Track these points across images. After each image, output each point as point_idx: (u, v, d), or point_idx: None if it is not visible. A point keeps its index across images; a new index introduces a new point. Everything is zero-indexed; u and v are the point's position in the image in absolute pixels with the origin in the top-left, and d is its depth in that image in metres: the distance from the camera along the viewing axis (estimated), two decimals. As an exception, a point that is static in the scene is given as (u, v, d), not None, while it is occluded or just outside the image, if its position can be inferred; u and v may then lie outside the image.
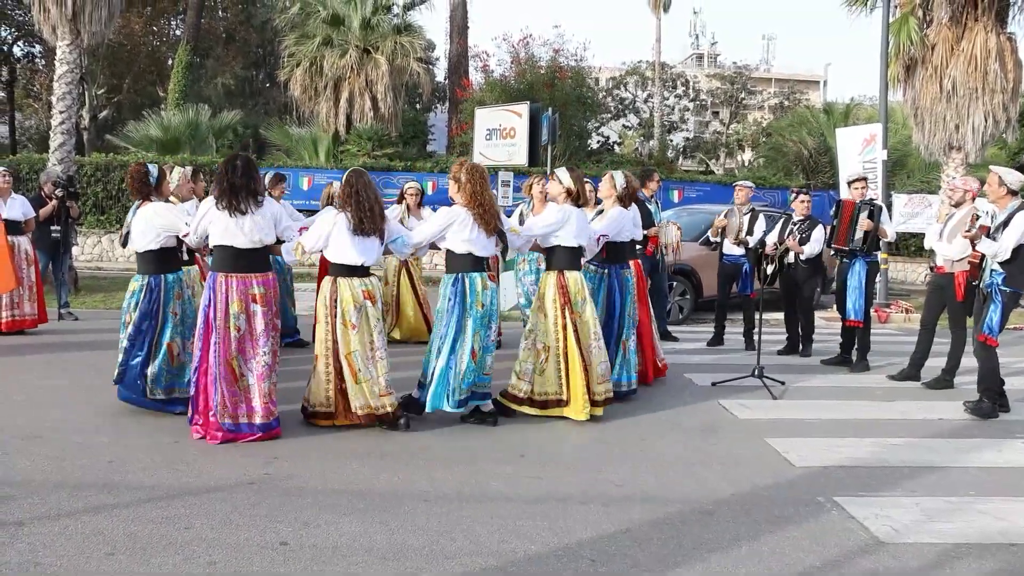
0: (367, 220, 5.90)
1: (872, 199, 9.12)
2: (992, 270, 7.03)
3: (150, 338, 6.35)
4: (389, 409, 5.96)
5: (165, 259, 6.42)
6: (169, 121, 22.67)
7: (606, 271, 7.28)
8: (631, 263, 7.59)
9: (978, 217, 7.27)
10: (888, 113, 15.56)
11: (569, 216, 6.56)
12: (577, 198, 6.82)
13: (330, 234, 5.95)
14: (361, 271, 5.98)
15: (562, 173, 6.85)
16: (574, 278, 6.54)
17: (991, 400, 7.09)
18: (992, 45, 15.89)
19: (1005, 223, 6.86)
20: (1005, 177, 7.00)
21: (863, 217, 8.74)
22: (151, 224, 6.31)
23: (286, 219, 6.18)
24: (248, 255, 5.82)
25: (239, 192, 5.72)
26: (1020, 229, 6.76)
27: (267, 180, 8.96)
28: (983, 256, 7.07)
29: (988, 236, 6.96)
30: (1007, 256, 6.84)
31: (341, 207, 6.01)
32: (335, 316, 5.91)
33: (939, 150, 16.91)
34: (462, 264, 6.17)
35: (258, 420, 5.77)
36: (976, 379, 7.22)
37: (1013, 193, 6.98)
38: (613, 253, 7.30)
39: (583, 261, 6.94)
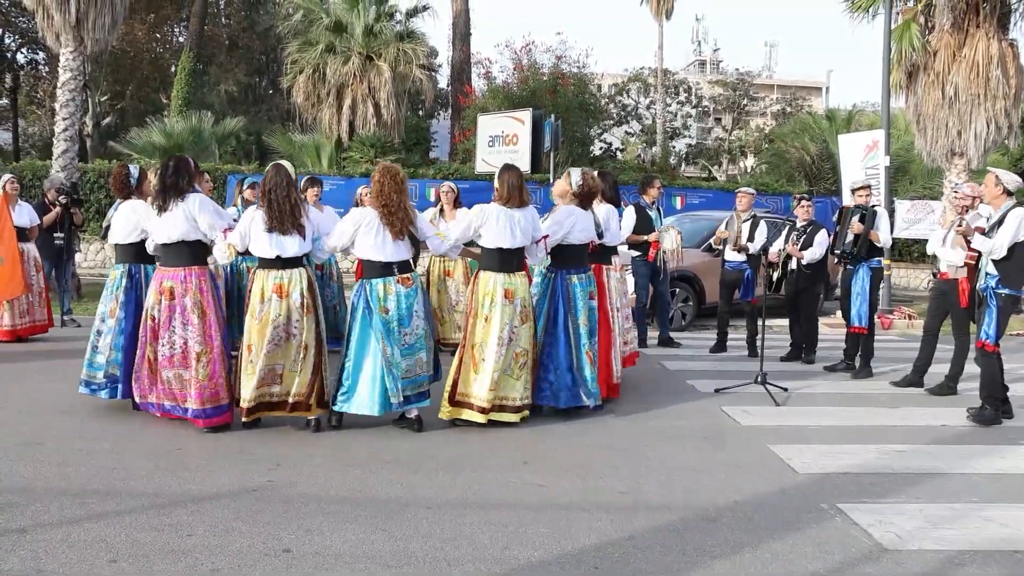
0: (276, 219, 5.99)
1: (872, 205, 9.10)
2: (987, 273, 7.03)
3: (132, 323, 6.66)
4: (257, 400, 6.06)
5: (144, 251, 6.82)
6: (172, 128, 22.69)
7: (553, 275, 6.93)
8: (590, 268, 7.11)
9: (967, 209, 7.51)
10: (890, 119, 15.57)
11: (488, 217, 6.44)
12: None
13: (248, 232, 6.10)
14: (279, 264, 6.05)
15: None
16: (485, 279, 6.45)
17: (993, 407, 7.08)
18: (994, 51, 15.91)
19: (1000, 221, 6.91)
20: (1002, 177, 7.04)
21: (854, 220, 8.76)
22: (129, 219, 6.84)
23: (211, 219, 6.30)
24: (165, 250, 6.33)
25: (166, 191, 6.20)
26: (1014, 226, 6.79)
27: (301, 184, 9.07)
28: (979, 257, 7.10)
29: (985, 235, 6.98)
30: (1002, 253, 6.84)
31: (258, 205, 6.20)
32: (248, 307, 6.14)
33: (941, 156, 16.91)
34: (368, 270, 6.20)
35: (192, 405, 6.09)
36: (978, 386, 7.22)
37: (1009, 194, 7.02)
38: (562, 257, 6.91)
39: (529, 263, 6.83)
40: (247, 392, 5.99)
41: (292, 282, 6.05)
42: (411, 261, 6.31)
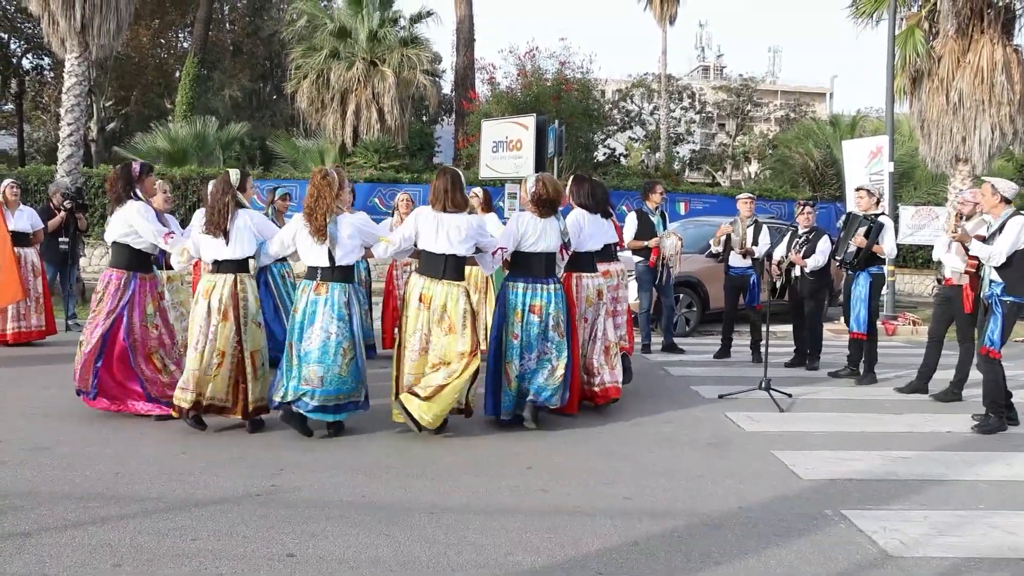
0: (209, 222, 6.27)
1: (877, 214, 9.03)
2: (991, 280, 7.03)
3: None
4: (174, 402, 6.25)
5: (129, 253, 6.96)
6: (176, 133, 22.75)
7: (511, 284, 6.69)
8: (547, 280, 6.69)
9: (962, 216, 7.62)
10: (894, 125, 15.57)
11: (419, 220, 6.33)
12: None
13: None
14: (215, 266, 6.31)
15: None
16: (412, 279, 6.38)
17: (997, 415, 7.06)
18: (999, 57, 15.91)
19: (1000, 229, 6.92)
20: (998, 186, 7.08)
21: (859, 233, 8.73)
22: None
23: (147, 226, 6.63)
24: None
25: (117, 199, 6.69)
26: (1014, 233, 6.81)
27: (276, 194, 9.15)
28: (980, 265, 7.14)
29: (985, 243, 7.00)
30: (1000, 260, 6.86)
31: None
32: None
33: (946, 162, 16.92)
34: (306, 272, 6.28)
35: None
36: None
37: (1007, 201, 7.04)
38: (514, 265, 6.70)
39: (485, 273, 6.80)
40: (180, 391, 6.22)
41: (215, 284, 6.24)
42: (341, 269, 6.15)
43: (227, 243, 6.21)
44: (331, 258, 6.08)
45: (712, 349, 10.59)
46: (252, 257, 6.46)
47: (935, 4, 16.58)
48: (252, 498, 4.85)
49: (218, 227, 6.21)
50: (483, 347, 7.07)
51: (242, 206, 6.38)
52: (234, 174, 6.43)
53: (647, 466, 5.78)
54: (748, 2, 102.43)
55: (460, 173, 6.54)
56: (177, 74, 29.93)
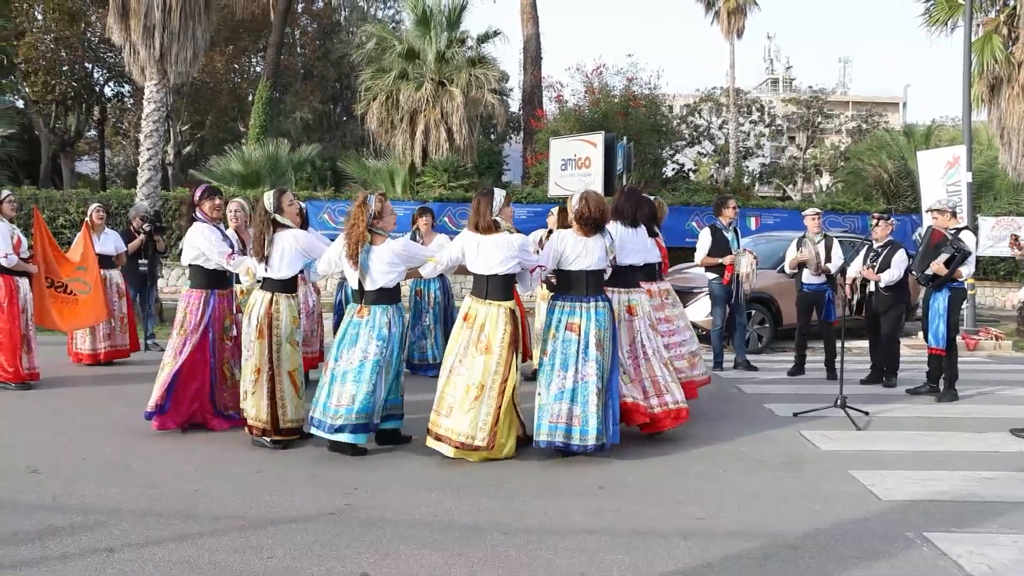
0: (252, 247, 6.61)
1: (959, 228, 8.75)
2: None
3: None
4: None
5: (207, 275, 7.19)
6: (250, 155, 23.21)
7: (550, 303, 6.57)
8: (588, 298, 6.36)
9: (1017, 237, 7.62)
10: (972, 134, 15.15)
11: (464, 242, 6.36)
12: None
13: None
14: (261, 284, 6.57)
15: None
16: (464, 301, 6.41)
17: None
18: (1082, 61, 15.43)
19: None
20: None
21: (940, 259, 8.46)
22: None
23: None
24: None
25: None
26: None
27: (415, 212, 9.86)
28: None
29: None
30: None
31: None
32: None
33: (1027, 171, 16.43)
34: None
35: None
36: None
37: None
38: (560, 284, 6.53)
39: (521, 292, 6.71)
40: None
41: (255, 304, 6.45)
42: (378, 292, 6.21)
43: (267, 267, 6.45)
44: (365, 282, 6.22)
45: (785, 366, 10.42)
46: (300, 273, 6.71)
47: (1015, 8, 16.16)
48: (327, 517, 4.91)
49: (258, 254, 6.48)
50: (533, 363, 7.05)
51: (283, 226, 6.51)
52: (267, 198, 6.58)
53: (721, 486, 5.70)
54: (817, 13, 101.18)
55: (496, 193, 6.40)
56: (250, 98, 30.58)
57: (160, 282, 14.57)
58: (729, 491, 5.58)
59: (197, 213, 7.02)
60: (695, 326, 12.28)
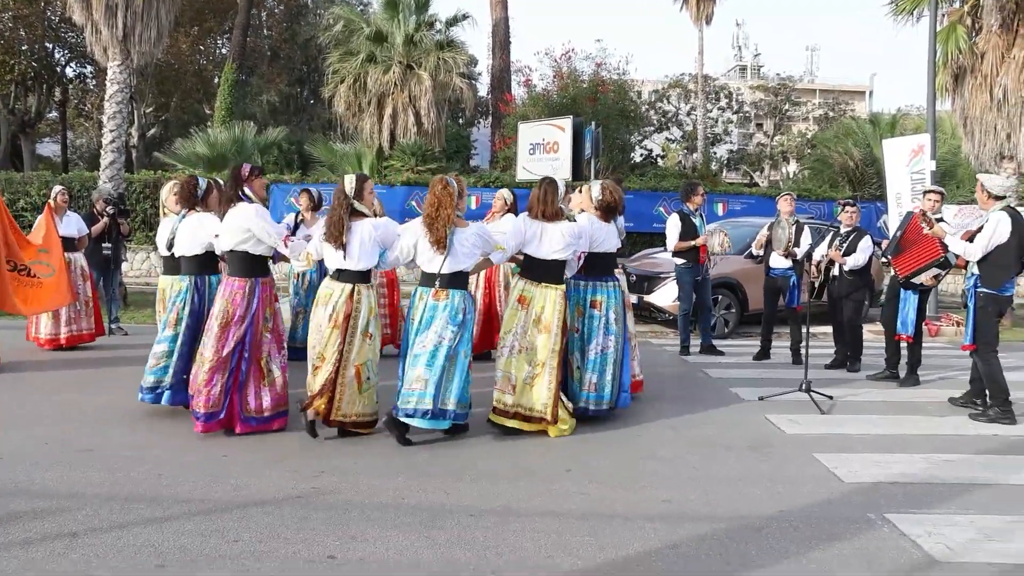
0: (328, 233, 6.23)
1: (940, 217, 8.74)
2: (971, 274, 7.45)
3: (196, 336, 6.77)
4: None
5: (208, 263, 7.06)
6: (215, 138, 22.97)
7: (573, 282, 7.02)
8: (612, 278, 7.11)
9: (940, 217, 8.11)
10: (936, 123, 15.31)
11: (528, 231, 6.58)
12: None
13: (315, 239, 6.50)
14: (336, 274, 6.29)
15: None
16: (514, 283, 6.75)
17: (999, 406, 7.32)
18: (1045, 52, 15.60)
19: (981, 227, 7.32)
20: (986, 183, 7.46)
21: (930, 273, 8.40)
22: (197, 233, 6.92)
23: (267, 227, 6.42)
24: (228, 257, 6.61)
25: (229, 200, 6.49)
26: (991, 230, 7.18)
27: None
28: (967, 262, 7.50)
29: (971, 239, 7.38)
30: (977, 257, 7.27)
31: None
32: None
33: (990, 160, 16.64)
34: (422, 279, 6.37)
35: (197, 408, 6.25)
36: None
37: (997, 198, 7.38)
38: (587, 265, 6.96)
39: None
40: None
41: (333, 294, 6.18)
42: (456, 275, 6.18)
43: (345, 256, 6.17)
44: (446, 266, 6.13)
45: (751, 351, 10.50)
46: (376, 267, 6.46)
47: (978, 0, 16.32)
48: (293, 500, 4.89)
49: (336, 240, 6.14)
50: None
51: (361, 214, 6.25)
52: (348, 181, 6.26)
53: (687, 469, 5.74)
54: (785, 1, 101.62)
55: (557, 183, 6.68)
56: (216, 80, 30.26)
57: (124, 266, 14.37)
58: (695, 474, 5.63)
59: (246, 191, 6.41)
60: (662, 311, 12.40)
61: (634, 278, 12.86)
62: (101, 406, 7.11)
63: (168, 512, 4.65)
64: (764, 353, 10.27)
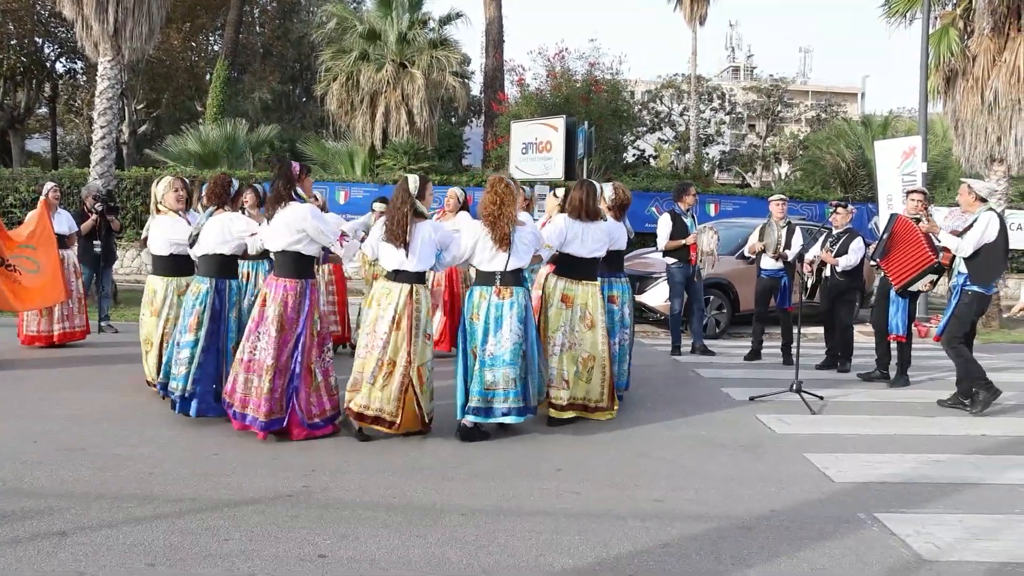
0: (389, 231, 6.17)
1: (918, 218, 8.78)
2: (959, 271, 7.67)
3: (217, 341, 6.60)
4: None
5: (231, 265, 6.83)
6: (207, 135, 22.91)
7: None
8: (623, 274, 7.68)
9: (930, 214, 8.50)
10: (928, 125, 15.37)
11: (570, 231, 6.83)
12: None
13: (372, 239, 6.42)
14: (393, 274, 6.21)
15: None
16: (553, 282, 6.95)
17: (983, 389, 7.61)
18: (1036, 55, 15.63)
19: (972, 224, 7.54)
20: (974, 186, 7.75)
21: (925, 280, 8.41)
22: (226, 233, 6.65)
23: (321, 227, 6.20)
24: (275, 257, 6.30)
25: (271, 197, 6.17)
26: (982, 227, 7.41)
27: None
28: (953, 258, 7.77)
29: (959, 236, 7.66)
30: (968, 252, 7.47)
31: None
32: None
33: (980, 162, 16.66)
34: (477, 277, 6.49)
35: (255, 414, 6.03)
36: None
37: (982, 200, 7.71)
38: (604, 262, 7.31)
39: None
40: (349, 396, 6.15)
41: (390, 294, 6.11)
42: (517, 273, 6.30)
43: (407, 255, 6.11)
44: (511, 263, 6.23)
45: (743, 351, 10.53)
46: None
47: (970, 2, 16.34)
48: (284, 499, 4.88)
49: (398, 239, 6.08)
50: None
51: (423, 215, 6.19)
52: (412, 181, 6.20)
53: (678, 468, 5.75)
54: (779, 2, 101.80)
55: (596, 185, 7.01)
56: (208, 77, 30.16)
57: (115, 263, 14.31)
58: (686, 474, 5.64)
59: (299, 191, 6.21)
60: (654, 311, 12.42)
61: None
62: (92, 404, 7.08)
63: (158, 511, 4.63)
64: (755, 353, 10.29)
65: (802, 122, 38.06)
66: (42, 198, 9.75)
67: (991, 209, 7.54)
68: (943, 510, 5.01)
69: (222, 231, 6.64)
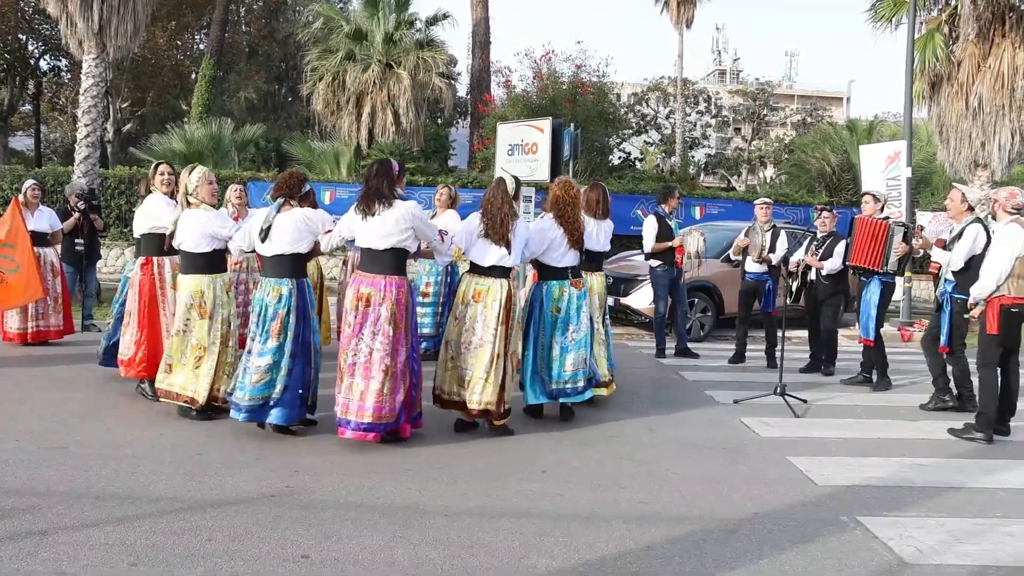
0: (491, 229, 6.40)
1: (899, 221, 8.96)
2: (945, 279, 7.63)
3: (305, 342, 6.22)
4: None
5: (303, 263, 6.35)
6: (192, 134, 22.79)
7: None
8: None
9: (922, 227, 8.53)
10: (913, 130, 15.45)
11: (586, 228, 7.34)
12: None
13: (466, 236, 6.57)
14: (489, 269, 6.46)
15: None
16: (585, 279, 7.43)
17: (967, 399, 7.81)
18: (1020, 62, 15.76)
19: (959, 235, 7.50)
20: (968, 194, 7.76)
21: (898, 240, 8.49)
22: (304, 229, 6.19)
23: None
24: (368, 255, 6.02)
25: (369, 194, 5.92)
26: (971, 239, 7.39)
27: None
28: (940, 267, 7.73)
29: (945, 248, 7.68)
30: (959, 265, 7.44)
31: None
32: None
33: (965, 168, 16.80)
34: (546, 273, 6.97)
35: (364, 418, 5.80)
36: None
37: (971, 208, 7.72)
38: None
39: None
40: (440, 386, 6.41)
41: (490, 290, 6.27)
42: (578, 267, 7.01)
43: (509, 252, 6.32)
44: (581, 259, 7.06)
45: (727, 354, 10.56)
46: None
47: (955, 8, 16.47)
48: (267, 499, 4.86)
49: (501, 236, 6.29)
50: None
51: (516, 215, 6.42)
52: (510, 182, 6.39)
53: (662, 471, 5.76)
54: (765, 6, 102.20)
55: (607, 188, 7.96)
56: (193, 76, 30.03)
57: (98, 262, 14.22)
58: (670, 476, 5.65)
59: (399, 189, 6.04)
60: (638, 313, 12.44)
61: (611, 280, 12.87)
62: (74, 403, 7.03)
63: (141, 510, 4.60)
64: (739, 356, 10.32)
65: (788, 126, 38.22)
66: (15, 195, 9.63)
67: (977, 219, 7.54)
68: (926, 513, 5.04)
69: (297, 228, 6.14)
